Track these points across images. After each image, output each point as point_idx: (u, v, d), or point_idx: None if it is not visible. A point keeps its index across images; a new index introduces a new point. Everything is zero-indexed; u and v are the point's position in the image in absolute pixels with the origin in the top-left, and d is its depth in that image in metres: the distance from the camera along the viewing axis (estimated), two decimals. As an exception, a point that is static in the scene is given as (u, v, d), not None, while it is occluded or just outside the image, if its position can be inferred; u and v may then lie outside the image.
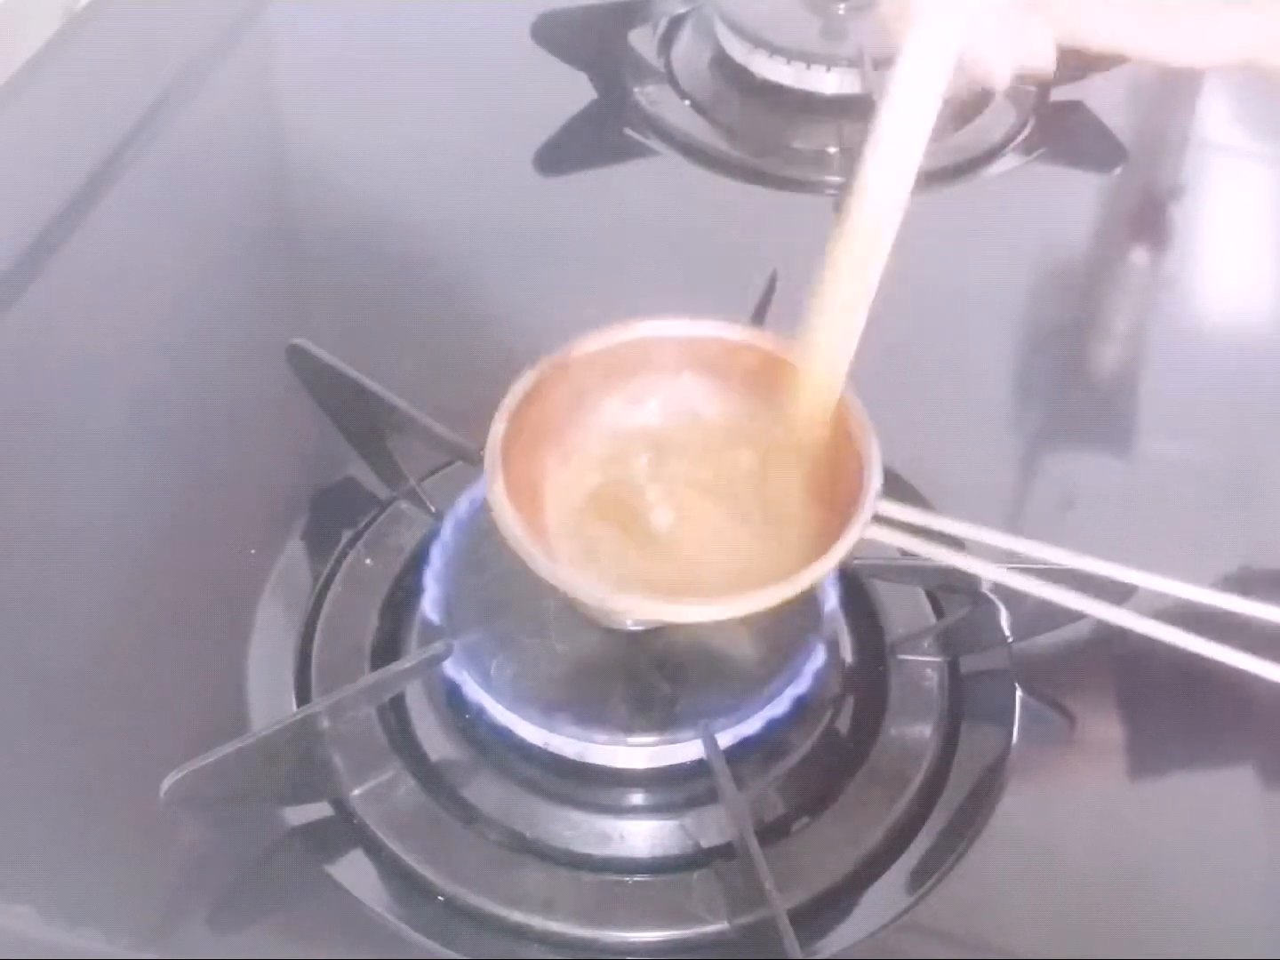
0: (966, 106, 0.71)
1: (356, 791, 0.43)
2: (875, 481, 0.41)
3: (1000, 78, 0.42)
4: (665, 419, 0.46)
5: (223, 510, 0.52)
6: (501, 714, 0.44)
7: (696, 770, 0.43)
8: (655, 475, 0.45)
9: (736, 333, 0.45)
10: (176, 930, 0.41)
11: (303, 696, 0.46)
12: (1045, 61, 0.42)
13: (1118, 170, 0.71)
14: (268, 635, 0.47)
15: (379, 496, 0.51)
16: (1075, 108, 0.72)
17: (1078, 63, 0.70)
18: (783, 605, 0.39)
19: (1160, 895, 0.43)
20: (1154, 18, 0.41)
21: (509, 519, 0.40)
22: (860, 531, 0.40)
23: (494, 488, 0.40)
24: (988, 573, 0.41)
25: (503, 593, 0.46)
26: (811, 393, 0.42)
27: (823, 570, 0.40)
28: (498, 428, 0.42)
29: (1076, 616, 0.45)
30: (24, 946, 0.40)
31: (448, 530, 0.47)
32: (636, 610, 0.40)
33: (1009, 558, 0.41)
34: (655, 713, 0.43)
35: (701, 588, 0.41)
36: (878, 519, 0.40)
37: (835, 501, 0.42)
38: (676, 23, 0.76)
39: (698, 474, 0.45)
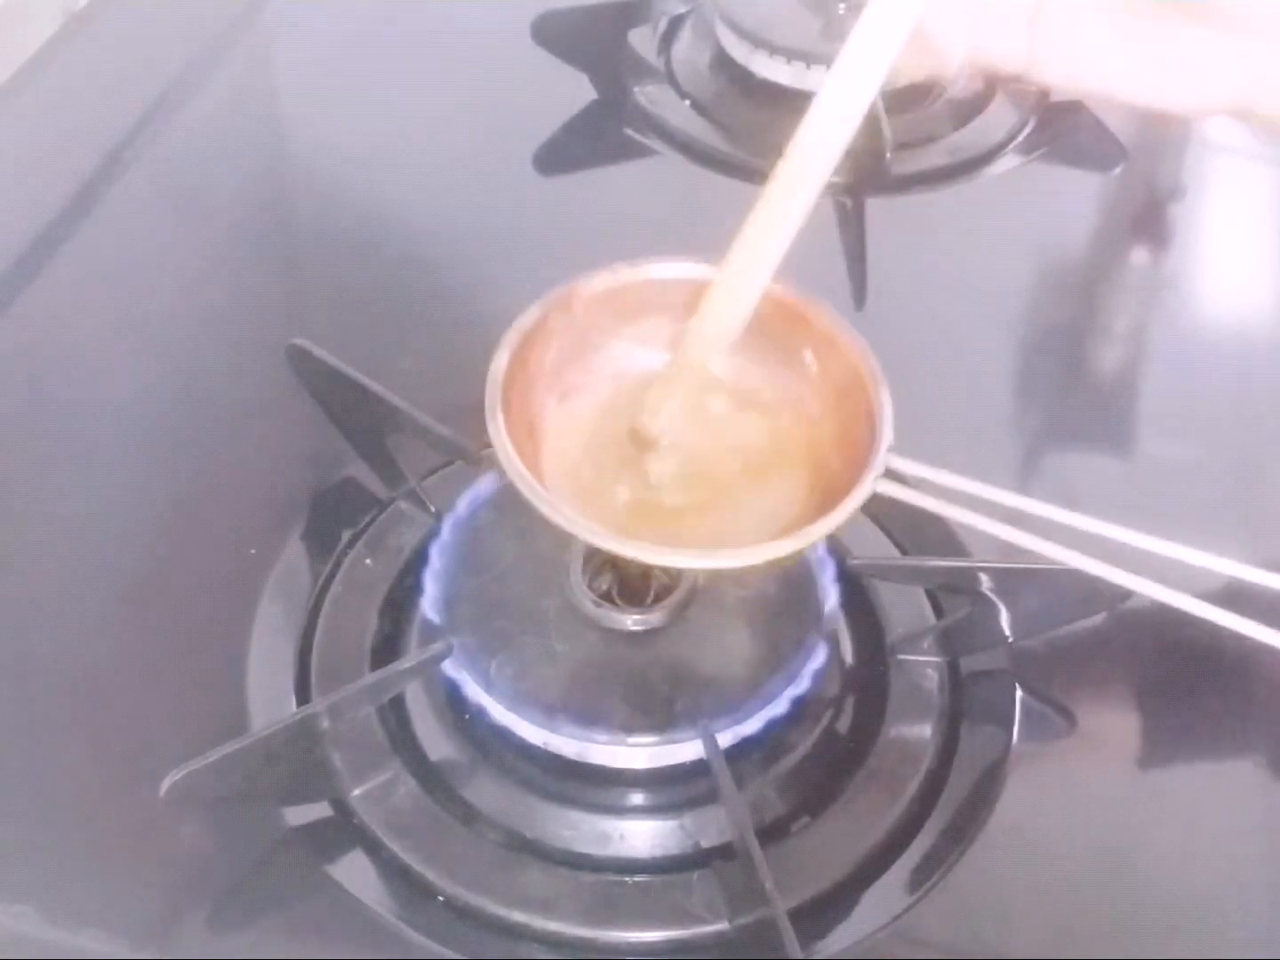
0: (966, 106, 0.71)
1: (356, 791, 0.43)
2: (887, 435, 0.40)
3: (953, 60, 0.41)
4: (672, 365, 0.44)
5: (223, 510, 0.52)
6: (501, 714, 0.44)
7: (696, 770, 0.43)
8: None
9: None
10: (176, 930, 0.41)
11: (303, 696, 0.46)
12: (1010, 62, 0.41)
13: (1118, 170, 0.71)
14: (268, 635, 0.47)
15: (379, 496, 0.51)
16: (1075, 108, 0.72)
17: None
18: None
19: (1161, 895, 0.43)
20: (1150, 61, 0.41)
21: (511, 455, 0.39)
22: (872, 485, 0.39)
23: (494, 423, 0.39)
24: (998, 532, 0.40)
25: (503, 593, 0.46)
26: (715, 317, 0.42)
27: (833, 523, 0.38)
28: (500, 361, 0.41)
29: (1077, 616, 0.45)
30: (24, 946, 0.40)
31: (447, 530, 0.47)
32: (641, 555, 0.38)
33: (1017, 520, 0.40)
34: (655, 713, 0.43)
35: (701, 540, 0.40)
36: (889, 474, 0.40)
37: (848, 455, 0.41)
38: (676, 23, 0.76)
39: (702, 421, 0.43)
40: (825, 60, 0.69)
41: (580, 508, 0.40)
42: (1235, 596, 0.38)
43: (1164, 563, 0.38)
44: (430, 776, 0.44)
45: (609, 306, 0.44)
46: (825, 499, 0.40)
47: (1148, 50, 0.40)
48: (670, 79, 0.74)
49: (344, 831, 0.43)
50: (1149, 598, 0.39)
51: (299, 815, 0.43)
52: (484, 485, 0.48)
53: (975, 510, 0.39)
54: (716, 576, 0.46)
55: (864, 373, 0.41)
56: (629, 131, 0.70)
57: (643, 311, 0.44)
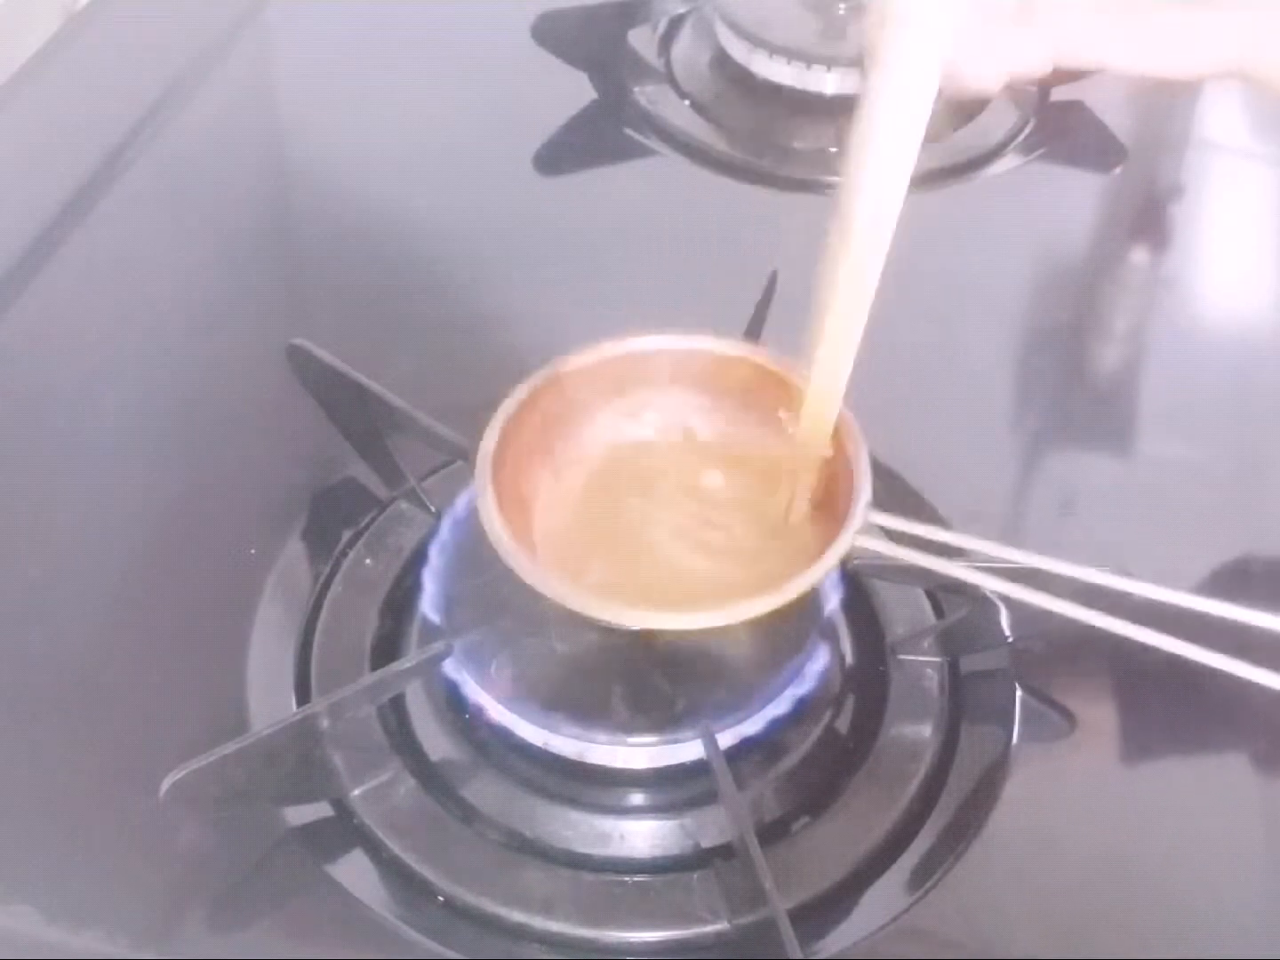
0: (966, 107, 0.71)
1: (356, 791, 0.43)
2: (865, 493, 0.41)
3: (989, 86, 0.42)
4: (658, 433, 0.46)
5: (223, 510, 0.52)
6: (501, 714, 0.44)
7: (696, 770, 0.43)
8: (647, 489, 0.45)
9: (729, 346, 0.46)
10: (176, 930, 0.41)
11: (303, 696, 0.46)
12: (1038, 70, 0.42)
13: (1118, 170, 0.71)
14: (268, 635, 0.47)
15: (379, 496, 0.51)
16: (1075, 108, 0.72)
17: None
18: (775, 612, 0.39)
19: (1160, 895, 0.43)
20: (1140, 30, 0.41)
21: (499, 530, 0.41)
22: (849, 542, 0.40)
23: (484, 499, 0.41)
24: (982, 581, 0.41)
25: (503, 593, 0.46)
26: (814, 407, 0.43)
27: (810, 581, 0.40)
28: (488, 441, 0.42)
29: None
30: (24, 946, 0.40)
31: (447, 530, 0.47)
32: (625, 619, 0.40)
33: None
34: (655, 713, 0.43)
35: (691, 598, 0.41)
36: (869, 528, 0.40)
37: (829, 512, 0.42)
38: (676, 23, 0.76)
39: (690, 487, 0.45)
40: (825, 60, 0.70)
41: (569, 574, 0.42)
42: (1200, 623, 0.38)
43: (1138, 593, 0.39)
44: (430, 776, 0.44)
45: (595, 381, 0.45)
46: (806, 553, 0.41)
47: (1139, 17, 0.41)
48: (670, 79, 0.74)
49: (344, 831, 0.43)
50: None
51: (299, 815, 0.43)
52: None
53: (952, 559, 0.40)
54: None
55: (841, 430, 0.43)
56: (629, 131, 0.70)
57: (629, 384, 0.45)
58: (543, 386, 0.44)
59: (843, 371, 0.42)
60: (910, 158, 0.39)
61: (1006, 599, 0.44)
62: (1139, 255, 0.67)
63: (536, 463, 0.44)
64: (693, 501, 0.45)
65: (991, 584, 0.41)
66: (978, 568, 0.41)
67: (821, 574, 0.40)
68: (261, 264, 0.64)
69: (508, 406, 0.43)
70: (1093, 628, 0.46)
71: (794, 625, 0.45)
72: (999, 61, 0.42)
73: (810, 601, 0.45)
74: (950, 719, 0.46)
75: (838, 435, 0.43)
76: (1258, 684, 0.38)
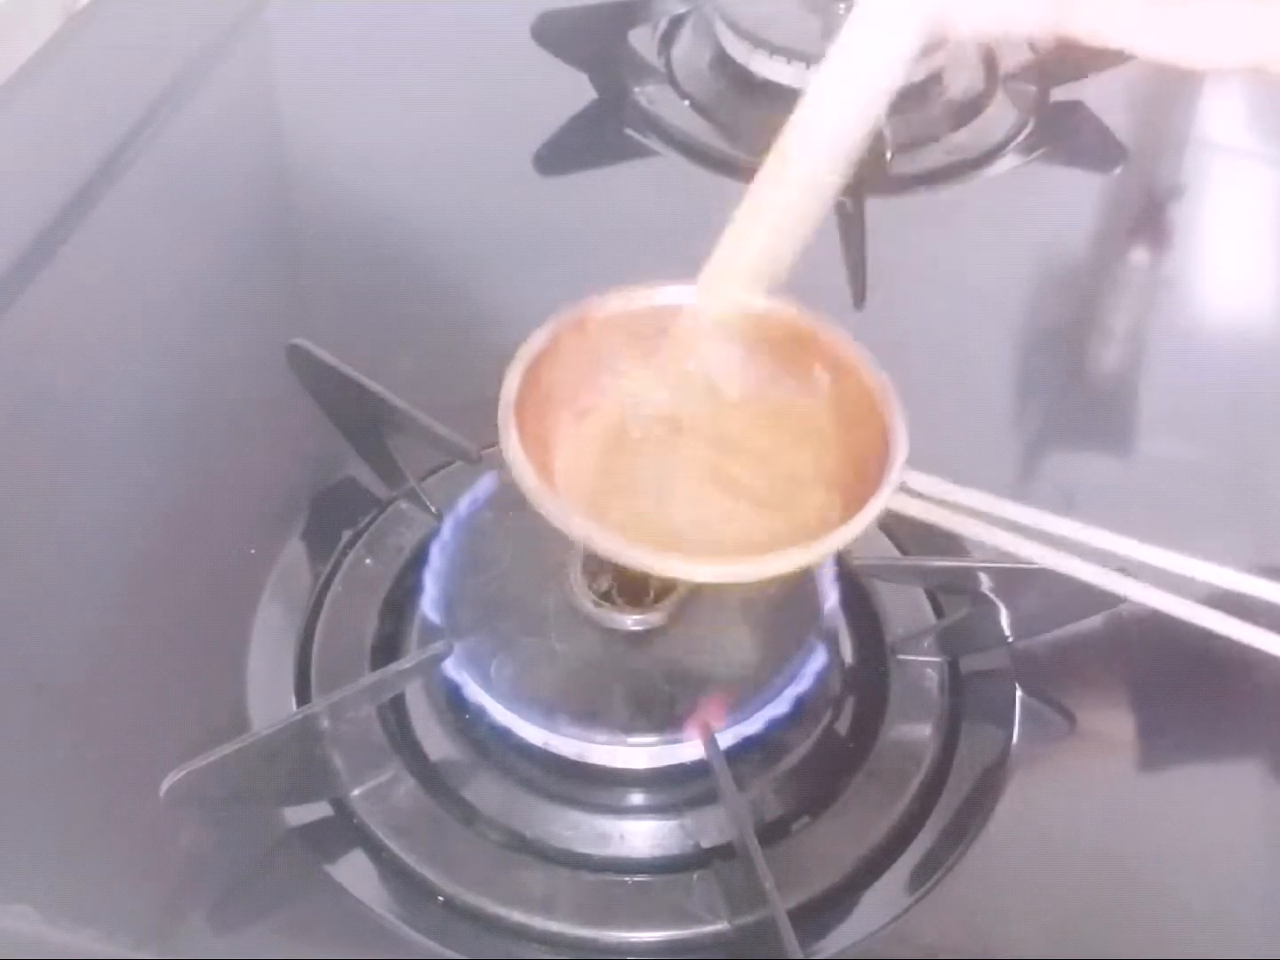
0: (966, 106, 0.71)
1: (356, 791, 0.43)
2: (902, 449, 0.40)
3: (980, 34, 0.41)
4: (683, 384, 0.45)
5: (223, 510, 0.52)
6: (501, 714, 0.44)
7: (696, 770, 0.43)
8: (670, 442, 0.44)
9: (759, 301, 0.45)
10: (176, 930, 0.41)
11: (303, 696, 0.46)
12: (1035, 29, 0.41)
13: (1118, 170, 0.71)
14: (268, 635, 0.47)
15: (379, 496, 0.51)
16: (1075, 108, 0.72)
17: (1077, 60, 0.71)
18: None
19: (1161, 896, 0.43)
20: (1168, 18, 0.41)
21: (525, 469, 0.39)
22: (887, 499, 0.39)
23: (508, 439, 0.40)
24: (1018, 549, 0.40)
25: (503, 593, 0.46)
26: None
27: (848, 536, 0.39)
28: (513, 380, 0.41)
29: (1077, 616, 0.45)
30: (24, 946, 0.40)
31: (448, 530, 0.47)
32: (652, 566, 0.39)
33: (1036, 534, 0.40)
34: (655, 713, 0.43)
35: (712, 553, 0.41)
36: (903, 489, 0.40)
37: (858, 473, 0.41)
38: (676, 23, 0.76)
39: (716, 443, 0.44)
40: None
41: (593, 521, 0.40)
42: (1237, 601, 0.38)
43: (1172, 569, 0.39)
44: (430, 776, 0.44)
45: (622, 328, 0.44)
46: (838, 513, 0.40)
47: (1168, 4, 0.41)
48: (670, 79, 0.73)
49: (344, 831, 0.43)
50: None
51: (299, 815, 0.43)
52: (484, 485, 0.48)
53: (990, 525, 0.40)
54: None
55: (877, 392, 0.42)
56: (629, 131, 0.70)
57: (656, 334, 0.44)
58: (566, 329, 0.43)
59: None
60: (882, 97, 0.39)
61: (1008, 598, 0.44)
62: (1139, 255, 0.67)
63: (556, 408, 0.43)
64: (718, 458, 0.44)
65: (1040, 555, 0.40)
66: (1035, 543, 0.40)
67: (857, 531, 0.39)
68: (261, 264, 0.64)
69: (531, 346, 0.42)
70: (1094, 627, 0.46)
71: (794, 625, 0.45)
72: (992, 9, 0.41)
73: (809, 601, 0.45)
74: (950, 719, 0.46)
75: (868, 393, 0.42)
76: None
